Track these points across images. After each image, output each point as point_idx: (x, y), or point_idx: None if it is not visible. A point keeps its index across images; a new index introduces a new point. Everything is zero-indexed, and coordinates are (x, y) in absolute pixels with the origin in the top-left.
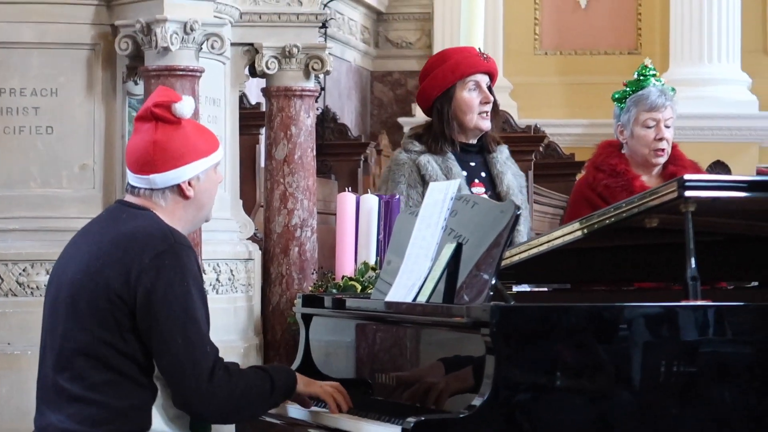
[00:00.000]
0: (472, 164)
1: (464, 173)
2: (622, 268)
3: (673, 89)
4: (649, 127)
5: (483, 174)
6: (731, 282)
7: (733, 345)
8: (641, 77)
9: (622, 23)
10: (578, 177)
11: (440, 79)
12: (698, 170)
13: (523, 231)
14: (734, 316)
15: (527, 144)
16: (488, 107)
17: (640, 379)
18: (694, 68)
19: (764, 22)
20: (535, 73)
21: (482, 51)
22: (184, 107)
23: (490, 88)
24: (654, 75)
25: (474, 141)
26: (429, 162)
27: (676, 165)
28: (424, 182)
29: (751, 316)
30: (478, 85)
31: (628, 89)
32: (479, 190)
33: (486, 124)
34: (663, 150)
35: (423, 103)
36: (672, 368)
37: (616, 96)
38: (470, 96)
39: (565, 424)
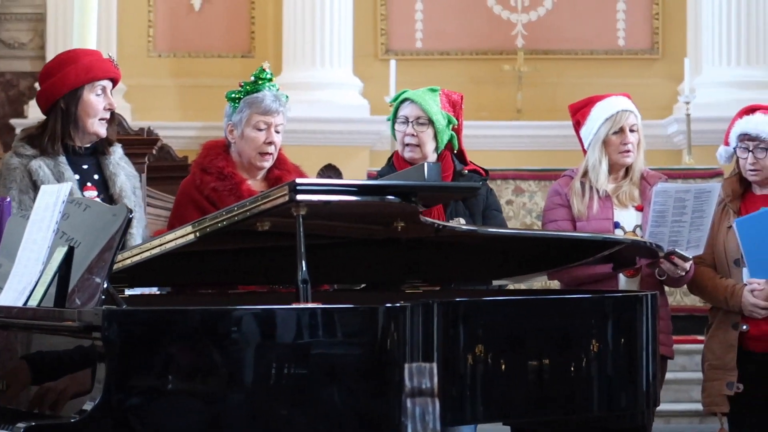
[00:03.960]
0: (85, 167)
1: (77, 177)
2: (239, 270)
3: (286, 96)
4: (260, 130)
5: (96, 177)
6: (342, 284)
7: (342, 346)
8: (258, 80)
9: (235, 26)
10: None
11: (70, 78)
12: (302, 174)
13: (136, 234)
14: (343, 318)
15: (141, 146)
16: (109, 114)
17: (251, 381)
18: (307, 72)
19: (375, 27)
20: (149, 75)
21: (111, 56)
22: None
23: None
24: (270, 80)
25: (88, 144)
26: (41, 167)
27: (280, 169)
28: (36, 187)
29: (359, 318)
30: (104, 91)
31: (243, 90)
32: (92, 193)
33: (102, 131)
34: (270, 154)
35: (44, 103)
36: (283, 370)
37: (232, 95)
38: (96, 100)
39: (178, 426)
